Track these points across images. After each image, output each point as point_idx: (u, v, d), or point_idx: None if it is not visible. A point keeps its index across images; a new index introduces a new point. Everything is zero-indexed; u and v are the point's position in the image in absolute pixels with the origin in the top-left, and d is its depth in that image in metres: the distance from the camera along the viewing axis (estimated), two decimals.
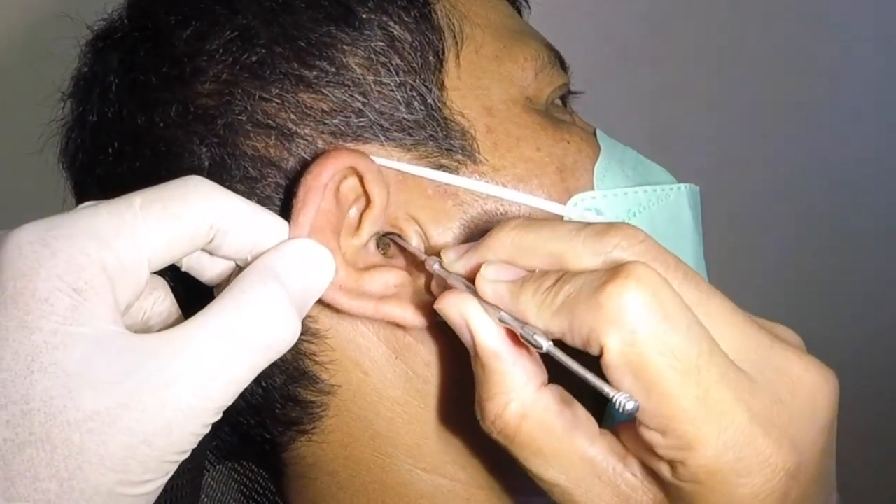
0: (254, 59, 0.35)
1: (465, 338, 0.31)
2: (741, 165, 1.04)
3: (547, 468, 0.30)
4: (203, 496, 0.49)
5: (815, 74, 1.07)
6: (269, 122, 0.35)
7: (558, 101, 0.41)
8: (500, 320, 0.30)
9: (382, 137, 0.36)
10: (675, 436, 0.27)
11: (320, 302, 0.34)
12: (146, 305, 0.33)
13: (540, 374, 0.31)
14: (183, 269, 0.33)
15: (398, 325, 0.35)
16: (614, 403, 0.26)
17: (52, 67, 0.42)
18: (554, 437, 0.30)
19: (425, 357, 0.36)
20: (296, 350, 0.37)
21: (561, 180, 0.37)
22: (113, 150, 0.38)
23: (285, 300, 0.30)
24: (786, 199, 1.09)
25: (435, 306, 0.32)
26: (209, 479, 0.50)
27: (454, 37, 0.38)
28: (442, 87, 0.37)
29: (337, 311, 0.35)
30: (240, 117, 0.35)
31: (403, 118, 0.36)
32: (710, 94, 1.03)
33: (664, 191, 0.40)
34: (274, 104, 0.35)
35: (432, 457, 0.38)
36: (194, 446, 0.28)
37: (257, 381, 0.38)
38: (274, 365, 0.37)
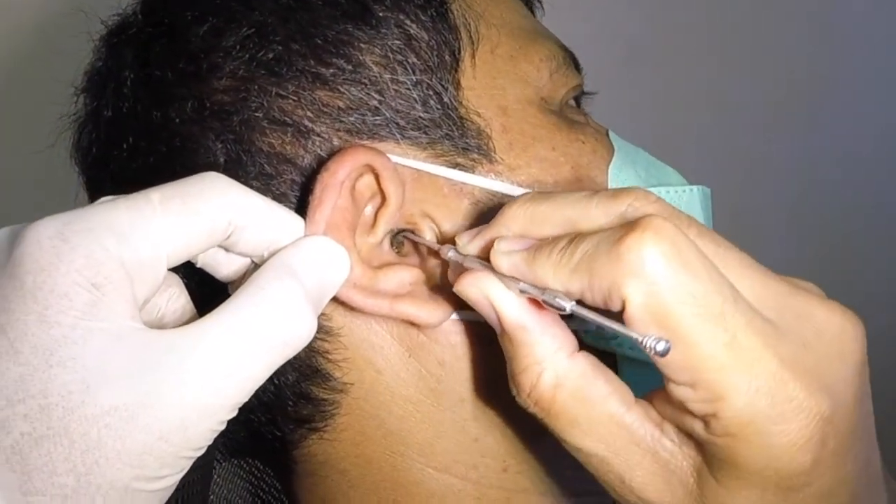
0: (270, 55, 0.35)
1: (490, 315, 0.31)
2: (745, 166, 1.04)
3: (584, 438, 0.29)
4: (209, 493, 0.49)
5: (821, 75, 1.07)
6: (286, 118, 0.35)
7: (572, 102, 0.41)
8: (521, 291, 0.30)
9: (398, 135, 0.36)
10: (704, 387, 0.26)
11: (335, 300, 0.34)
12: (161, 302, 0.33)
13: (570, 341, 0.30)
14: (199, 266, 0.33)
15: (412, 324, 0.35)
16: (645, 347, 0.25)
17: (64, 63, 0.42)
18: (589, 405, 0.29)
19: (439, 356, 0.36)
20: (309, 347, 0.37)
21: (576, 180, 0.37)
22: (127, 146, 0.38)
23: (302, 297, 0.30)
24: (790, 199, 1.09)
25: (455, 289, 0.32)
26: (215, 476, 0.50)
27: (470, 36, 0.38)
28: (458, 86, 0.37)
29: (351, 309, 0.35)
30: (256, 114, 0.35)
31: (419, 116, 0.36)
32: (715, 95, 1.03)
33: (677, 192, 0.40)
34: (290, 101, 0.35)
35: (444, 456, 0.38)
36: (210, 443, 0.28)
37: (269, 378, 0.38)
38: (286, 362, 0.37)
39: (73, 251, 0.26)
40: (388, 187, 0.35)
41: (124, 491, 0.25)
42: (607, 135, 0.41)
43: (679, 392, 0.27)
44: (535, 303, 0.30)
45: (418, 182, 0.36)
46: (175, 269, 0.33)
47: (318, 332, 0.36)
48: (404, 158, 0.35)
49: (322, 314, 0.36)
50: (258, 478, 0.52)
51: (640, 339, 0.26)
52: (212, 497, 0.50)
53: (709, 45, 1.02)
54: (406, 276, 0.35)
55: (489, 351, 0.36)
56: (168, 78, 0.37)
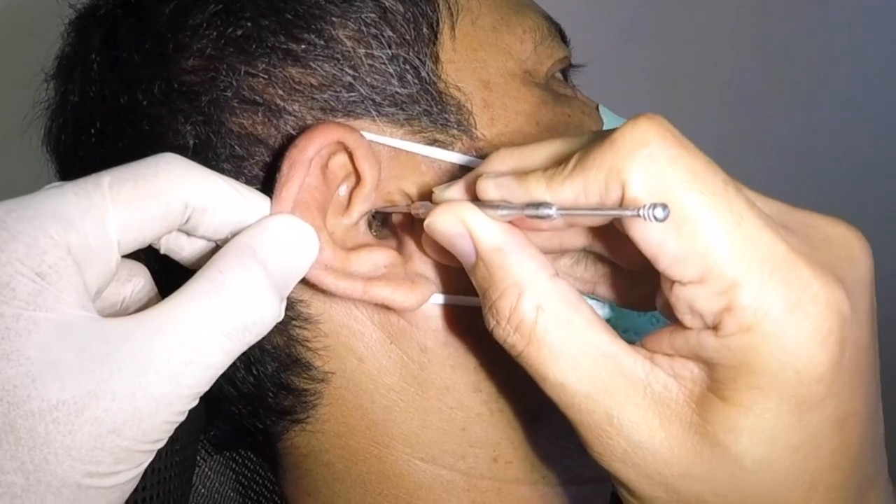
0: (239, 32, 0.34)
1: (463, 246, 0.29)
2: (744, 143, 1.02)
3: (568, 371, 0.27)
4: (199, 486, 0.48)
5: (820, 55, 1.05)
6: (256, 98, 0.34)
7: (559, 75, 0.39)
8: (502, 216, 0.28)
9: (374, 112, 0.34)
10: (716, 275, 0.24)
11: (306, 283, 0.32)
12: (124, 292, 0.31)
13: (549, 264, 0.28)
14: (162, 252, 0.32)
15: (389, 308, 0.34)
16: (646, 215, 0.24)
17: (35, 48, 0.40)
18: (574, 331, 0.27)
19: (421, 342, 0.35)
20: (288, 336, 0.35)
21: None
22: (95, 131, 0.36)
23: (263, 280, 0.28)
24: (788, 179, 1.07)
25: (426, 223, 0.30)
26: (206, 469, 0.49)
27: (449, 8, 0.36)
28: (436, 59, 0.35)
29: (329, 294, 0.34)
30: (225, 94, 0.34)
31: (396, 92, 0.34)
32: (713, 69, 1.01)
33: None
34: (261, 79, 0.34)
35: (431, 446, 0.36)
36: (169, 434, 0.26)
37: (248, 368, 0.37)
38: (265, 352, 0.36)
39: (15, 239, 0.25)
40: (362, 166, 0.33)
41: (77, 488, 0.24)
42: (597, 109, 0.40)
43: (687, 294, 0.25)
44: (515, 231, 0.28)
45: (396, 160, 0.34)
46: (142, 256, 0.32)
47: (296, 320, 0.35)
48: (381, 136, 0.34)
49: (300, 301, 0.35)
50: (252, 470, 0.51)
51: (638, 211, 0.24)
52: (203, 491, 0.49)
53: (708, 18, 1.00)
54: (381, 257, 0.34)
55: (473, 337, 0.35)
56: (135, 59, 0.35)
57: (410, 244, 0.34)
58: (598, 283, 0.33)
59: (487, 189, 0.29)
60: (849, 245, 0.27)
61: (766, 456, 0.26)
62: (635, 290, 0.32)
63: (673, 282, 0.25)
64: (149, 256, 0.32)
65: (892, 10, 1.06)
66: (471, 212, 0.29)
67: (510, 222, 0.29)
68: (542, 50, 0.38)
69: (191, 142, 0.34)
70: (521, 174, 0.28)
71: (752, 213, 0.25)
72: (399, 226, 0.35)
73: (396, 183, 0.34)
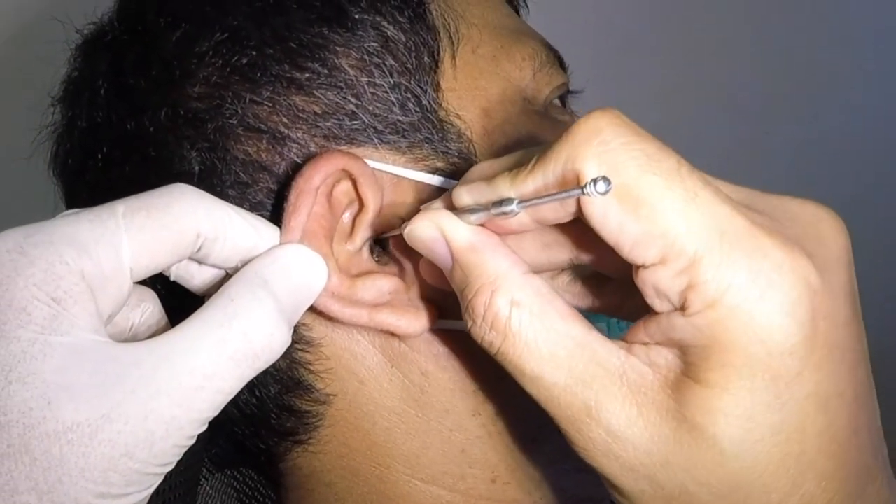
0: (244, 61, 0.34)
1: (441, 252, 0.30)
2: (742, 161, 1.03)
3: (544, 365, 0.27)
4: None
5: (819, 70, 1.05)
6: (261, 125, 0.34)
7: (557, 101, 0.40)
8: (475, 220, 0.29)
9: (377, 140, 0.35)
10: (675, 254, 0.24)
11: (313, 309, 0.33)
12: (134, 317, 0.32)
13: (523, 262, 0.29)
14: (172, 279, 0.33)
15: (392, 334, 0.35)
16: (589, 191, 0.24)
17: (42, 72, 0.41)
18: (549, 324, 0.27)
19: (421, 366, 0.36)
20: (290, 359, 0.36)
21: None
22: (102, 156, 0.37)
23: (273, 309, 0.29)
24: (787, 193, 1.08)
25: (405, 232, 0.30)
26: (207, 488, 0.50)
27: (450, 37, 0.37)
28: (437, 88, 0.36)
29: (331, 318, 0.34)
30: (230, 121, 0.34)
31: (398, 120, 0.35)
32: (711, 88, 1.02)
33: None
34: (265, 107, 0.34)
35: (430, 467, 0.37)
36: (178, 458, 0.27)
37: (251, 390, 0.37)
38: (268, 374, 0.37)
39: (32, 265, 0.26)
40: (365, 193, 0.34)
41: None
42: None
43: (652, 276, 0.25)
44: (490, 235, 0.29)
45: (398, 187, 0.35)
46: (153, 283, 0.33)
47: (298, 343, 0.36)
48: (383, 163, 0.35)
49: (302, 324, 0.35)
50: (252, 489, 0.51)
51: (582, 189, 0.24)
52: None
53: (705, 38, 1.01)
54: (385, 284, 0.34)
55: (472, 361, 0.35)
56: (142, 86, 0.36)
57: (412, 270, 0.35)
58: (594, 297, 0.33)
59: (461, 195, 0.29)
60: (818, 223, 0.27)
61: (746, 437, 0.25)
62: (629, 301, 0.32)
63: (638, 267, 0.26)
64: (155, 280, 0.33)
65: (891, 21, 1.07)
66: (445, 216, 0.29)
67: (484, 225, 0.29)
68: (540, 77, 0.38)
69: (196, 168, 0.35)
70: (490, 178, 0.29)
71: (707, 190, 0.25)
72: (400, 252, 0.35)
73: (398, 209, 0.35)
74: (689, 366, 0.26)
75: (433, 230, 0.29)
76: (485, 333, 0.28)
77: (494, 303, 0.28)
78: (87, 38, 0.40)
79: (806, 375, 0.25)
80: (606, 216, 0.25)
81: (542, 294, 0.28)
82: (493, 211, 0.27)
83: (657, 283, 0.25)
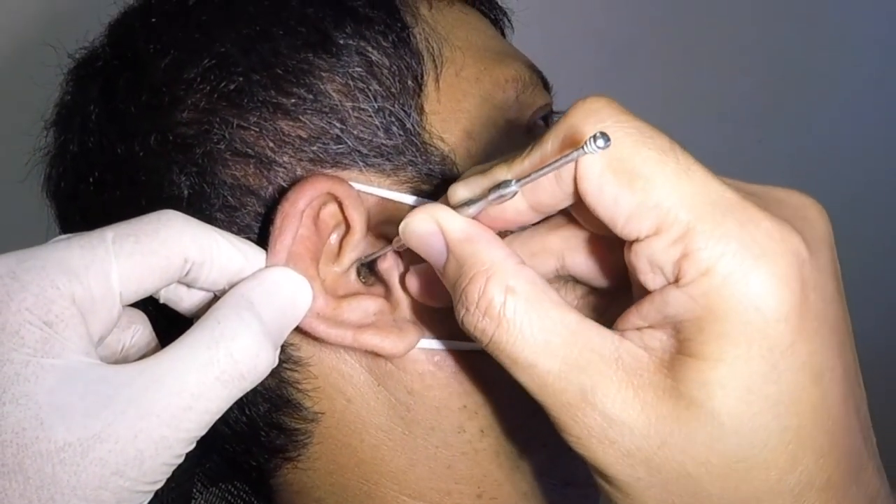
0: (232, 87, 0.35)
1: (436, 245, 0.30)
2: (737, 171, 1.04)
3: (538, 352, 0.27)
4: None
5: (814, 78, 1.06)
6: (248, 150, 0.35)
7: (541, 122, 0.41)
8: (472, 213, 0.29)
9: (361, 163, 0.35)
10: (669, 223, 0.25)
11: (300, 330, 0.34)
12: (124, 338, 0.33)
13: (517, 254, 0.29)
14: (161, 301, 0.33)
15: (378, 354, 0.35)
16: (590, 149, 0.24)
17: (35, 94, 0.42)
18: (543, 311, 0.27)
19: (408, 385, 0.36)
20: (279, 378, 0.37)
21: None
22: (94, 180, 0.38)
23: (259, 330, 0.30)
24: None
25: (401, 229, 0.31)
26: (202, 502, 0.50)
27: (433, 60, 0.37)
28: (421, 111, 0.37)
29: (318, 339, 0.35)
30: (218, 146, 0.35)
31: (382, 144, 0.36)
32: (704, 98, 1.03)
33: None
34: (252, 132, 0.35)
35: (417, 483, 0.37)
36: (168, 476, 0.28)
37: (241, 408, 0.38)
38: (257, 393, 0.37)
39: (24, 289, 0.27)
40: (351, 215, 0.34)
41: None
42: None
43: (646, 249, 0.26)
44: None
45: (383, 209, 0.36)
46: (143, 304, 0.33)
47: (287, 362, 0.36)
48: (368, 186, 0.35)
49: (290, 344, 0.36)
50: (246, 502, 0.52)
51: (583, 148, 0.25)
52: None
53: (699, 47, 1.01)
54: (370, 305, 0.35)
55: (457, 380, 0.36)
56: (132, 111, 0.37)
57: (398, 291, 0.36)
58: (579, 306, 0.34)
59: (457, 190, 0.30)
60: (804, 208, 0.27)
61: (745, 410, 0.25)
62: (612, 309, 0.33)
63: (632, 243, 0.26)
64: (146, 302, 0.34)
65: (889, 28, 1.07)
66: (441, 209, 0.30)
67: (479, 220, 0.30)
68: (524, 98, 0.39)
69: (185, 192, 0.35)
70: (487, 169, 0.30)
71: (699, 165, 0.26)
72: (386, 273, 0.36)
73: (384, 230, 0.36)
74: (684, 342, 0.26)
75: (430, 223, 0.30)
76: (478, 321, 0.28)
77: (489, 289, 0.28)
78: (79, 63, 0.41)
79: (799, 346, 0.25)
80: (602, 191, 0.26)
81: (536, 283, 0.28)
82: (492, 196, 0.28)
83: (652, 255, 0.26)
